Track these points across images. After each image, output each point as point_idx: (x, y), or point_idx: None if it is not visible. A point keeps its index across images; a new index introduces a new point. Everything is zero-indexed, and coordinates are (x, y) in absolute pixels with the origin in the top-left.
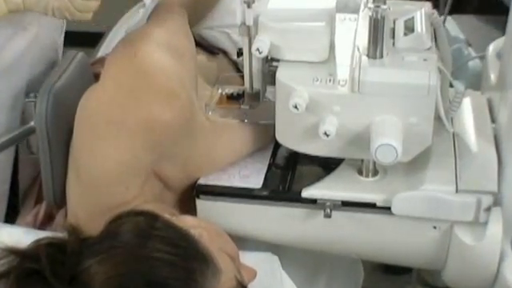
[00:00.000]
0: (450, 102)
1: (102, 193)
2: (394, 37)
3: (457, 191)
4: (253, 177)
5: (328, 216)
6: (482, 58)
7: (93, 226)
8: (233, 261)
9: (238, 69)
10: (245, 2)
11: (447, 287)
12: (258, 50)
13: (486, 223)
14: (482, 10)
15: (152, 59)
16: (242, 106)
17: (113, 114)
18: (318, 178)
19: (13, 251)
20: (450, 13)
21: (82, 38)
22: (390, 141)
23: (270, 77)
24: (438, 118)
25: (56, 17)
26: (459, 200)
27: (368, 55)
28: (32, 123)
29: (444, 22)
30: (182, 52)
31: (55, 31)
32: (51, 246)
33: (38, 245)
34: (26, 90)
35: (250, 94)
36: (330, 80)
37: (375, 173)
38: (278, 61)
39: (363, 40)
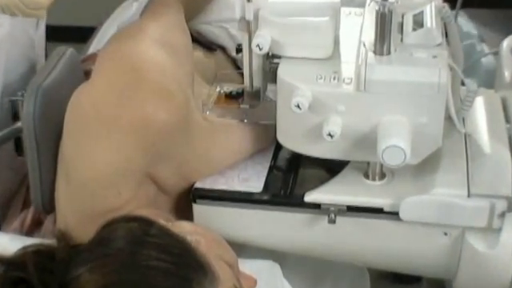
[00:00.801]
0: (462, 101)
1: (93, 197)
2: (402, 32)
3: (469, 195)
4: (253, 180)
5: (332, 222)
6: (496, 54)
7: (83, 233)
8: (232, 269)
9: (237, 66)
10: None
11: None
12: (258, 46)
13: (499, 229)
14: (495, 3)
15: (146, 56)
16: (242, 106)
17: (104, 114)
18: (321, 182)
19: None
20: (462, 6)
21: (71, 33)
22: (397, 142)
23: (270, 74)
24: (448, 118)
25: (6, 13)
26: (471, 205)
27: (375, 52)
28: (19, 123)
29: (455, 16)
30: (177, 48)
31: (30, 26)
32: (39, 253)
33: (24, 252)
34: (2, 89)
35: (249, 92)
36: (334, 78)
37: (382, 176)
38: (279, 57)
39: (369, 35)
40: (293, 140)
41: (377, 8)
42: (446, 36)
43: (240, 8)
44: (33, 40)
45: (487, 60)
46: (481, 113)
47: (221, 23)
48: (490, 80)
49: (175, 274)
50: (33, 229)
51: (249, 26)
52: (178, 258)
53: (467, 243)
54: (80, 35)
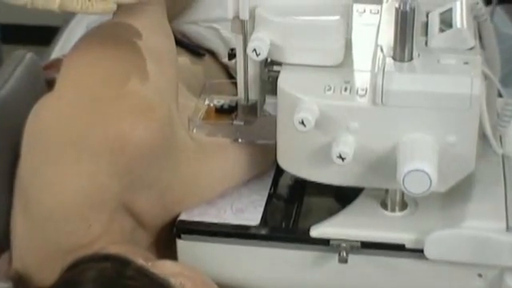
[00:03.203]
0: (499, 116)
1: (58, 231)
2: (426, 34)
3: (507, 229)
4: (249, 211)
5: (344, 261)
6: None
7: (45, 274)
8: None
9: (230, 74)
10: None
11: None
12: (254, 50)
13: None
14: None
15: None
16: (235, 122)
17: (71, 132)
18: (330, 213)
19: None
20: (499, 2)
21: (31, 34)
22: (422, 166)
23: (269, 85)
24: (482, 136)
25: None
26: (511, 240)
27: (394, 57)
28: None
29: (491, 14)
30: (159, 53)
31: None
32: None
33: None
34: None
35: (244, 106)
36: (345, 89)
37: (403, 206)
38: (280, 64)
39: (388, 38)
40: (296, 163)
41: (396, 5)
42: (480, 38)
43: (233, 5)
44: None
45: None
46: None
47: (210, 23)
48: None
49: None
50: None
51: (244, 27)
52: None
53: (507, 287)
54: (42, 36)
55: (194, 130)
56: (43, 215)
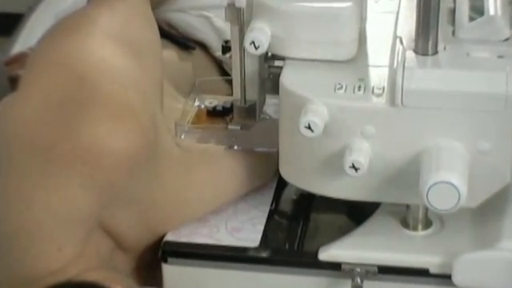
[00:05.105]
0: None
1: (23, 256)
2: (454, 23)
3: None
4: (246, 230)
5: None
6: None
7: None
8: None
9: (225, 70)
10: None
11: None
12: (253, 43)
13: None
14: None
15: (97, 57)
16: (230, 126)
17: (38, 140)
18: (342, 233)
19: None
20: None
21: None
22: (449, 177)
23: (270, 83)
24: None
25: None
26: None
27: (416, 50)
28: None
29: None
30: (141, 47)
31: None
32: None
33: None
34: None
35: (241, 107)
36: (359, 88)
37: (427, 224)
38: (282, 59)
39: (408, 28)
40: (301, 174)
41: None
42: None
43: None
44: None
45: None
46: None
47: (201, 11)
48: None
49: None
50: None
51: (240, 15)
52: None
53: None
54: (2, 25)
55: (182, 136)
56: (5, 236)
